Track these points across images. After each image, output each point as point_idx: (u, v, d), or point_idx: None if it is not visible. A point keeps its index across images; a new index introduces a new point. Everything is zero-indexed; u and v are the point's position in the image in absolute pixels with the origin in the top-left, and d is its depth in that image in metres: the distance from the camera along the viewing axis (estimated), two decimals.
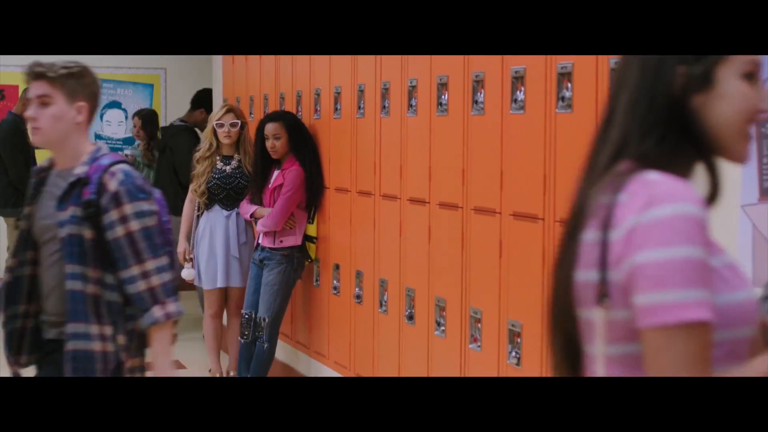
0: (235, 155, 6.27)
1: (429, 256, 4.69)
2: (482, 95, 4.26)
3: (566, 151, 3.71)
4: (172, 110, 10.07)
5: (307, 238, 6.01)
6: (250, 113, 7.09)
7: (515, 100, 4.02)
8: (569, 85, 3.71)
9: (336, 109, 5.73)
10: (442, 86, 4.57)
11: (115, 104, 10.23)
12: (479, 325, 4.29)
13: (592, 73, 3.58)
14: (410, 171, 4.88)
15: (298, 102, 6.31)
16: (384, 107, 5.14)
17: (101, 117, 10.13)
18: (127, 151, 9.03)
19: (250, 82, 7.19)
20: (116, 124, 10.24)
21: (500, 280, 4.13)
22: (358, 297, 5.47)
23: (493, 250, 4.17)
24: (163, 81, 10.33)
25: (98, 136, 10.11)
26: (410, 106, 4.87)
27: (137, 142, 8.86)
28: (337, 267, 5.77)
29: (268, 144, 5.87)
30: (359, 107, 5.43)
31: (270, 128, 5.87)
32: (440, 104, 4.58)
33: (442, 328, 4.59)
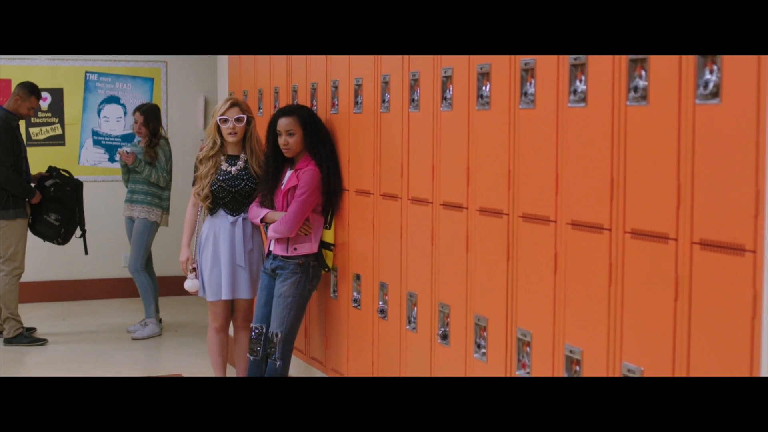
0: (242, 155, 5.71)
1: (467, 268, 4.13)
2: (532, 86, 3.67)
3: (637, 152, 3.15)
4: (174, 105, 9.74)
5: (323, 245, 5.45)
6: (259, 108, 6.54)
7: (574, 92, 3.43)
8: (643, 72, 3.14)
9: (356, 103, 5.16)
10: (483, 76, 4.00)
11: (113, 99, 9.76)
12: (528, 348, 3.73)
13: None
14: (444, 172, 4.32)
15: (312, 95, 5.75)
16: (413, 100, 4.57)
17: (99, 113, 9.67)
18: (127, 148, 8.47)
19: (259, 74, 6.62)
20: (114, 120, 9.76)
21: (555, 298, 3.56)
22: (383, 312, 4.91)
23: (545, 263, 3.61)
24: (163, 75, 9.83)
25: (96, 133, 9.67)
26: (444, 98, 4.30)
27: (137, 138, 8.34)
28: (358, 277, 5.21)
29: (281, 141, 5.31)
30: (383, 100, 4.87)
31: (283, 123, 5.31)
32: (480, 97, 4.01)
33: (483, 350, 4.02)
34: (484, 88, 4.00)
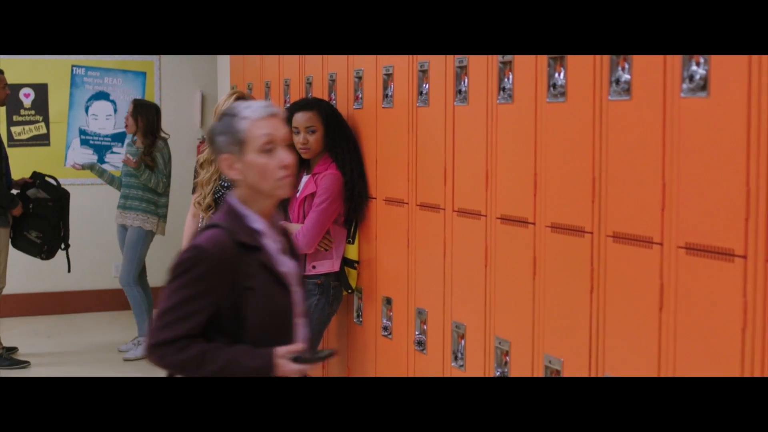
0: None
1: (534, 298, 3.37)
2: (626, 72, 2.93)
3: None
4: (168, 102, 9.09)
5: (345, 262, 4.69)
6: None
7: (553, 86, 3.13)
8: None
9: (386, 96, 4.40)
10: (554, 62, 3.24)
11: (102, 95, 9.09)
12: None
13: None
14: (502, 178, 3.56)
15: (330, 88, 4.99)
16: (459, 92, 3.81)
17: (86, 110, 9.03)
18: (118, 149, 7.73)
19: (266, 65, 5.88)
20: (104, 118, 9.10)
21: (660, 336, 2.80)
22: (420, 344, 4.14)
23: (647, 291, 2.84)
24: (157, 69, 9.18)
25: (83, 132, 9.03)
26: (501, 89, 3.54)
27: (130, 137, 7.66)
28: (389, 301, 4.44)
29: (299, 139, 4.55)
30: (420, 93, 4.10)
31: (302, 119, 4.55)
32: (553, 86, 3.25)
33: None
34: (557, 76, 3.24)
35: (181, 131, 9.05)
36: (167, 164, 7.49)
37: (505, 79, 3.49)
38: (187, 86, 9.24)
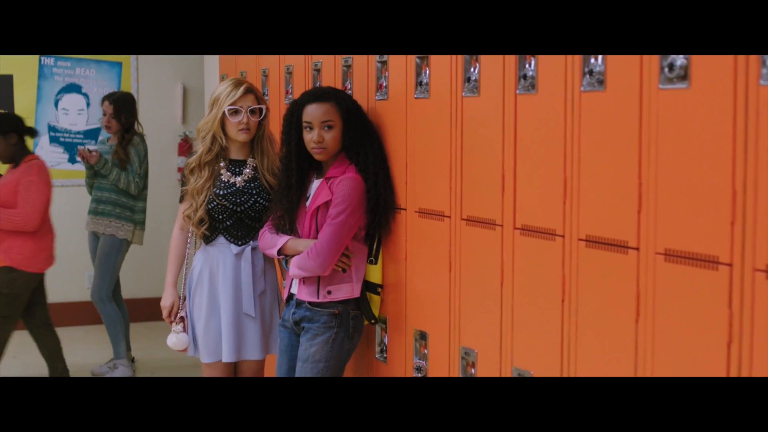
0: (249, 159, 4.15)
1: (636, 339, 2.59)
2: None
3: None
4: (146, 95, 8.65)
5: (367, 286, 3.87)
6: (264, 95, 4.93)
7: (523, 77, 2.97)
8: None
9: (419, 84, 3.59)
10: None
11: (73, 87, 8.56)
12: None
13: None
14: (587, 188, 2.78)
15: (345, 76, 4.18)
16: (523, 78, 3.01)
17: (56, 104, 8.52)
18: (91, 146, 7.33)
19: None
20: (75, 113, 8.59)
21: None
22: None
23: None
24: (134, 58, 8.64)
25: (53, 128, 8.50)
26: (587, 73, 2.74)
27: (105, 135, 7.00)
28: (423, 336, 3.64)
29: (313, 136, 3.76)
30: (468, 79, 3.29)
31: (317, 112, 3.75)
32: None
33: None
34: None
35: (161, 128, 8.64)
36: (142, 162, 6.74)
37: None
38: (167, 78, 8.77)
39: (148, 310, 7.96)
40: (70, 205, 8.28)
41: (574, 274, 2.80)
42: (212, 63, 6.53)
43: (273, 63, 5.02)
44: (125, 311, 6.93)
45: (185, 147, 8.55)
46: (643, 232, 2.55)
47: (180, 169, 8.51)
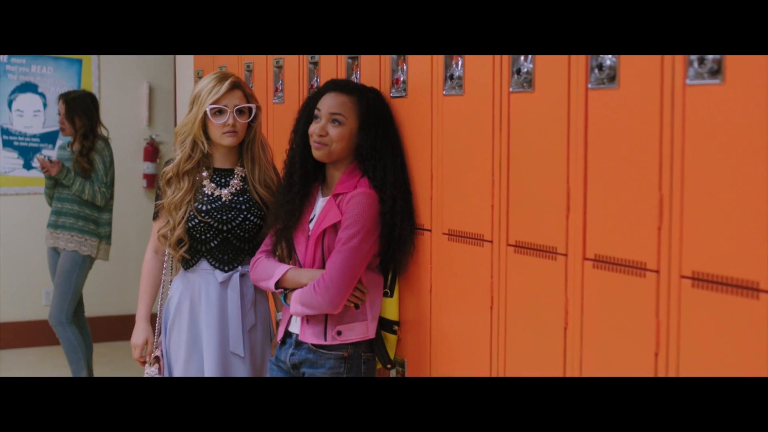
0: (237, 168, 3.53)
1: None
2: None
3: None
4: (109, 95, 8.43)
5: (381, 323, 3.25)
6: None
7: (450, 77, 2.95)
8: None
9: (450, 79, 2.97)
10: None
11: (28, 87, 8.24)
12: None
13: None
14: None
15: (350, 70, 3.58)
16: (598, 68, 2.42)
17: (10, 105, 8.20)
18: (50, 152, 7.00)
19: None
20: (31, 114, 8.26)
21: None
22: None
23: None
24: (95, 56, 8.33)
25: (5, 131, 8.19)
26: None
27: (65, 139, 6.50)
28: None
29: (315, 128, 3.21)
30: (516, 72, 2.68)
31: (329, 102, 3.21)
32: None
33: None
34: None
35: (125, 131, 8.42)
36: (108, 170, 6.23)
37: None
38: (132, 76, 8.55)
39: (113, 329, 7.78)
40: (26, 216, 8.01)
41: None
42: (185, 57, 5.89)
43: (259, 56, 4.38)
44: (88, 333, 6.41)
45: (151, 151, 8.35)
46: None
47: (146, 176, 8.25)
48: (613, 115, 2.38)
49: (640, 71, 2.29)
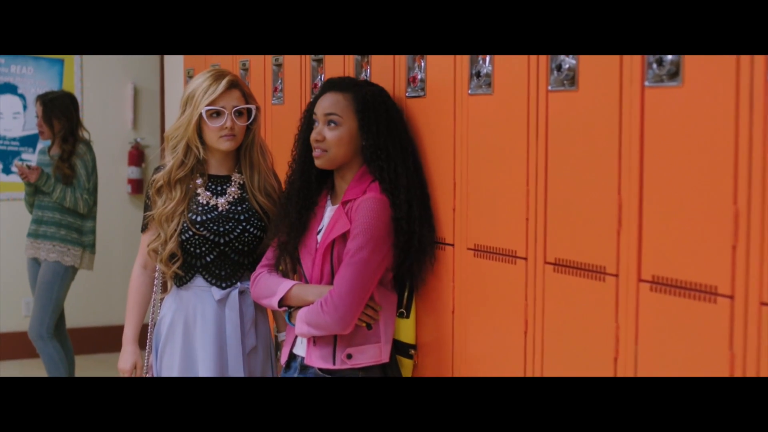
0: (234, 174, 3.24)
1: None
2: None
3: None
4: (92, 96, 8.23)
5: (397, 347, 2.97)
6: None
7: (413, 80, 2.91)
8: None
9: (477, 76, 2.70)
10: None
11: (8, 88, 8.12)
12: None
13: None
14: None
15: (359, 69, 3.32)
16: (660, 62, 2.15)
17: None
18: (30, 157, 6.84)
19: None
20: (10, 117, 8.13)
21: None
22: None
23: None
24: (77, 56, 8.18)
25: None
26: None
27: (45, 142, 6.23)
28: None
29: (312, 136, 2.96)
30: (558, 68, 2.40)
31: (323, 104, 2.97)
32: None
33: None
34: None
35: (109, 134, 8.24)
36: (91, 175, 5.97)
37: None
38: (116, 77, 8.36)
39: (96, 341, 7.64)
40: (5, 222, 7.80)
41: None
42: (173, 56, 5.61)
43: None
44: (69, 348, 6.15)
45: (136, 155, 8.19)
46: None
47: (131, 181, 8.01)
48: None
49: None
